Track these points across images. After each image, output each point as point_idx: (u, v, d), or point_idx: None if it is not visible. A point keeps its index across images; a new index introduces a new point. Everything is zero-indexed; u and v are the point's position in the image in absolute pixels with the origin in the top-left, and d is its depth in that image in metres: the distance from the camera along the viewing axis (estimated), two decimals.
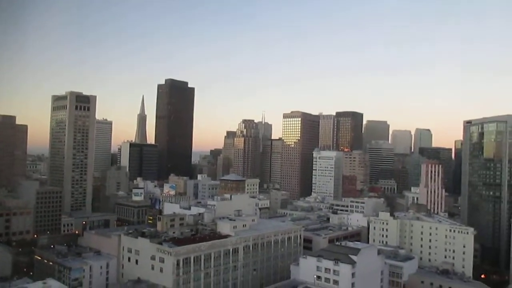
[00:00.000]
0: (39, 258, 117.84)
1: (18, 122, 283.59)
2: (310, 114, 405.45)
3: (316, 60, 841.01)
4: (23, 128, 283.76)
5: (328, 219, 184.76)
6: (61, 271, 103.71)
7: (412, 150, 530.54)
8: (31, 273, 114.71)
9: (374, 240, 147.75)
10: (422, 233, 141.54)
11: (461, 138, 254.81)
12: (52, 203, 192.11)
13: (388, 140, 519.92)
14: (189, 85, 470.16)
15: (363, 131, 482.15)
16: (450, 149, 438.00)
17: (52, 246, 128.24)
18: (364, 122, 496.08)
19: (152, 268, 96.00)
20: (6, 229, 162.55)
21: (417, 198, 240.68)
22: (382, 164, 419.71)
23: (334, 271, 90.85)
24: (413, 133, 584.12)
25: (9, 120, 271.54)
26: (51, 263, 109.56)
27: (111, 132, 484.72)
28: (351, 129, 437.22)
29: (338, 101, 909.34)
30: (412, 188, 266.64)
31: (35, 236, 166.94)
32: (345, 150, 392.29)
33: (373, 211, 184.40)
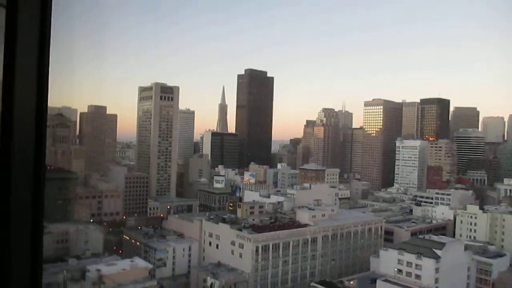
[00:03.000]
0: (127, 238, 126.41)
1: (108, 112, 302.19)
2: (393, 102, 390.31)
3: (397, 45, 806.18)
4: (113, 118, 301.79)
5: (411, 211, 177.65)
6: (147, 251, 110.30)
7: (506, 139, 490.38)
8: (120, 252, 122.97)
9: (460, 235, 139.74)
10: None
11: None
12: (139, 188, 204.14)
13: (478, 128, 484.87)
14: (268, 75, 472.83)
15: (450, 119, 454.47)
16: None
17: (139, 228, 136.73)
18: (451, 109, 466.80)
19: (232, 253, 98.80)
20: (98, 210, 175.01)
21: (510, 191, 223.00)
22: (471, 154, 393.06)
23: (416, 265, 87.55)
24: (506, 120, 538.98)
25: (101, 110, 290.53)
26: (138, 243, 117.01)
27: (193, 121, 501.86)
28: (437, 116, 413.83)
29: (423, 87, 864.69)
30: (504, 180, 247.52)
31: (124, 217, 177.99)
32: (430, 139, 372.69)
33: (460, 204, 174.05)
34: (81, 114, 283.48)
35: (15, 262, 2.45)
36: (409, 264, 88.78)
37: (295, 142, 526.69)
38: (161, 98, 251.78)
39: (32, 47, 2.51)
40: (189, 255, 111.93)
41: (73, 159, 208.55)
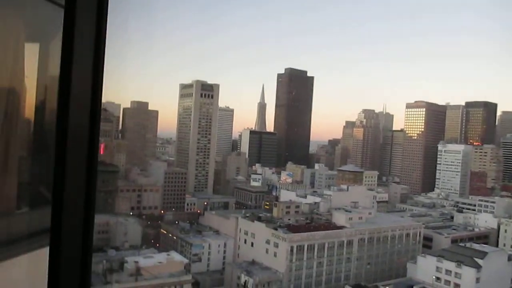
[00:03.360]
0: (165, 232, 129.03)
1: (150, 108, 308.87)
2: (436, 104, 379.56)
3: (442, 45, 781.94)
4: (154, 114, 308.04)
5: (452, 217, 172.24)
6: (183, 246, 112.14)
7: None
8: (157, 245, 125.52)
9: (504, 245, 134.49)
10: None
11: None
12: (178, 183, 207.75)
13: None
14: (308, 74, 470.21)
15: (496, 124, 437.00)
16: None
17: (176, 222, 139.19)
18: (498, 113, 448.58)
19: (267, 252, 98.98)
20: (138, 204, 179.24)
21: None
22: None
23: (456, 273, 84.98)
24: None
25: (143, 106, 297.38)
26: (174, 237, 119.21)
27: (232, 119, 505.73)
28: (483, 120, 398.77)
29: (468, 90, 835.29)
30: None
31: (162, 212, 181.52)
32: (474, 144, 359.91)
33: (505, 212, 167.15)
34: (124, 109, 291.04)
35: (66, 251, 2.55)
36: (448, 272, 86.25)
37: (333, 143, 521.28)
38: (201, 95, 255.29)
39: (89, 45, 2.60)
40: (224, 252, 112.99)
41: (115, 153, 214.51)
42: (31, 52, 4.17)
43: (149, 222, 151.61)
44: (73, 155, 2.54)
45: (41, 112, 4.32)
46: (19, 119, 4.13)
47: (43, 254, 2.69)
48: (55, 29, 2.67)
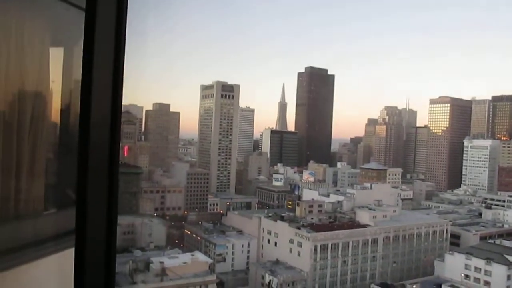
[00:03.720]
0: (189, 232, 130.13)
1: (171, 109, 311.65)
2: (461, 99, 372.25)
3: (466, 38, 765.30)
4: (176, 115, 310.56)
5: (480, 214, 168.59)
6: (207, 246, 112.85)
7: None
8: (181, 245, 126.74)
9: None
10: None
11: None
12: (200, 184, 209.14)
13: None
14: (329, 72, 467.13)
15: None
16: None
17: (199, 223, 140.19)
18: None
19: (290, 251, 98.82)
20: (162, 205, 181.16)
21: None
22: None
23: (485, 271, 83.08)
24: None
25: (164, 107, 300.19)
26: (198, 237, 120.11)
27: (253, 119, 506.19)
28: (510, 114, 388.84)
29: (495, 84, 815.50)
30: None
31: (185, 212, 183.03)
32: (502, 138, 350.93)
33: None
34: (147, 111, 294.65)
35: (90, 251, 2.58)
36: (477, 269, 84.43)
37: (356, 141, 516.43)
38: (222, 96, 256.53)
39: (109, 48, 2.62)
40: (248, 252, 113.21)
41: (139, 154, 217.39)
42: (56, 57, 4.25)
43: (173, 223, 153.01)
44: (94, 157, 2.57)
45: (67, 116, 4.41)
46: (45, 123, 4.21)
47: (69, 255, 2.72)
48: (79, 33, 2.70)
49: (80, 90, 2.57)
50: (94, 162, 2.58)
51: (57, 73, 4.31)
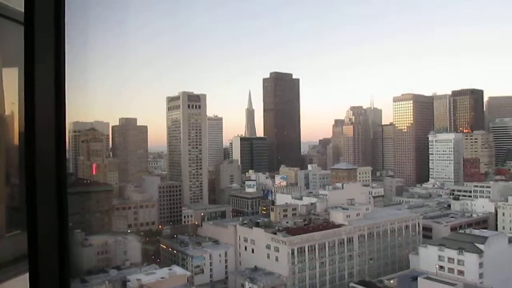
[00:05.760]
0: (164, 246, 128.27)
1: (138, 123, 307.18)
2: (423, 96, 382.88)
3: (423, 37, 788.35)
4: (144, 129, 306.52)
5: (449, 206, 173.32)
6: (184, 259, 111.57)
7: None
8: (158, 260, 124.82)
9: (503, 228, 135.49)
10: None
11: None
12: (173, 196, 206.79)
13: None
14: (294, 77, 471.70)
15: (484, 110, 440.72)
16: None
17: (175, 236, 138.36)
18: (485, 99, 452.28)
19: (268, 257, 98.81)
20: (135, 221, 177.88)
21: None
22: (509, 144, 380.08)
23: (458, 260, 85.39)
24: None
25: (131, 122, 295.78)
26: (174, 251, 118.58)
27: (222, 128, 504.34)
28: (471, 108, 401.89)
29: (453, 79, 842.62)
30: None
31: (160, 226, 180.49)
32: (464, 131, 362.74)
33: (501, 196, 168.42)
34: (113, 127, 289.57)
35: (43, 277, 2.51)
36: (450, 260, 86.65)
37: (324, 142, 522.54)
38: (189, 106, 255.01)
39: (49, 62, 2.55)
40: (226, 261, 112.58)
41: (108, 171, 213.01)
42: (11, 78, 4.10)
43: (147, 238, 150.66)
44: (41, 178, 2.49)
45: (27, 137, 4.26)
46: (8, 146, 4.07)
47: (25, 280, 2.62)
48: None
49: (24, 105, 2.50)
50: (41, 183, 2.50)
51: (15, 94, 4.16)
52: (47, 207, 2.52)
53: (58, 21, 2.60)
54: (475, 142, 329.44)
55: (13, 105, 4.17)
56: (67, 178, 2.35)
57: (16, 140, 4.27)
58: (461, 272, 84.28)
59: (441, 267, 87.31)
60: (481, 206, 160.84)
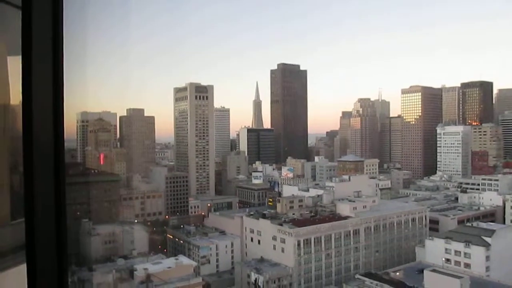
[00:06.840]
0: (171, 237, 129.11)
1: (146, 114, 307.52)
2: (432, 88, 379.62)
3: (432, 30, 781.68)
4: (151, 120, 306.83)
5: (457, 198, 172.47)
6: (190, 249, 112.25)
7: None
8: (165, 250, 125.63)
9: (511, 221, 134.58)
10: None
11: None
12: (180, 187, 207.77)
13: None
14: (301, 68, 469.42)
15: (493, 102, 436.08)
16: None
17: (181, 226, 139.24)
18: (495, 91, 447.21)
19: (274, 248, 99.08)
20: (142, 211, 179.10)
21: None
22: None
23: (465, 253, 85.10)
24: None
25: (139, 113, 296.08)
26: (181, 241, 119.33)
27: (229, 119, 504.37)
28: (480, 100, 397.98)
29: (462, 71, 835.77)
30: None
31: (166, 217, 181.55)
32: (473, 124, 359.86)
33: (509, 189, 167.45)
34: (121, 117, 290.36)
35: (41, 267, 2.49)
36: (457, 253, 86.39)
37: (331, 134, 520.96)
38: (196, 97, 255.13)
39: (47, 48, 2.55)
40: (232, 252, 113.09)
41: (115, 161, 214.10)
42: (17, 66, 4.06)
43: (154, 228, 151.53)
44: (39, 165, 2.47)
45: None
46: (14, 135, 4.07)
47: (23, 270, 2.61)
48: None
49: (21, 94, 2.51)
50: (39, 170, 2.47)
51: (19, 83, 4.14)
52: (45, 197, 2.51)
53: (56, 7, 2.58)
54: (484, 135, 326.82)
55: (19, 93, 4.15)
56: (65, 167, 2.69)
57: (18, 128, 4.26)
58: (467, 265, 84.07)
59: (448, 260, 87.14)
60: (489, 199, 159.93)
